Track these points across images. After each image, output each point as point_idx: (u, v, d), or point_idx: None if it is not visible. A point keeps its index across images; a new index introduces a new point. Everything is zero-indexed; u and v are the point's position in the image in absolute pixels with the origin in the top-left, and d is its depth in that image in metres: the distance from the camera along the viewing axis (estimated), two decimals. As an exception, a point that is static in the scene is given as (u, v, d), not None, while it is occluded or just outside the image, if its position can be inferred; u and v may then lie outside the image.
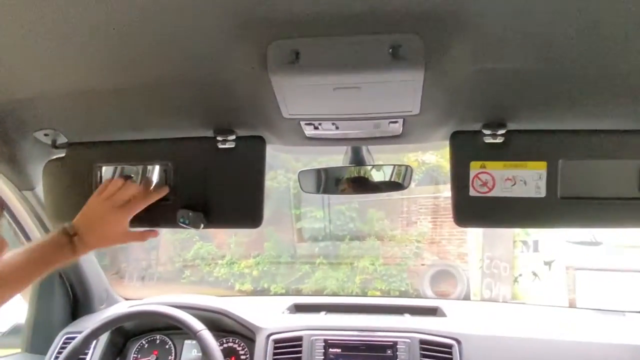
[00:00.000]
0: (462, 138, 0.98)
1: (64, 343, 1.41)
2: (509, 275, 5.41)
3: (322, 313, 1.57)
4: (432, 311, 1.58)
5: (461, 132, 0.99)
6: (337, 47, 0.72)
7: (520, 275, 5.42)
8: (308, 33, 0.71)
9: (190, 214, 1.03)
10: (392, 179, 1.21)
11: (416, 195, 6.13)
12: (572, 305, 4.48)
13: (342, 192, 1.30)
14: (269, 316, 1.46)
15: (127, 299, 1.75)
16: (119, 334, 1.41)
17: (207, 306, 1.38)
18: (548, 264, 5.20)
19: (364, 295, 5.67)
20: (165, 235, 6.97)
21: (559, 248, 5.12)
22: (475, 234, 5.74)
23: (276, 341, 1.31)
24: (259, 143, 1.05)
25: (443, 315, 1.51)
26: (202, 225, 1.03)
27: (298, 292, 5.99)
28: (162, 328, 1.47)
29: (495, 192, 0.96)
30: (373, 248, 6.24)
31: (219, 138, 1.03)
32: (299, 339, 1.30)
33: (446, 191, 5.86)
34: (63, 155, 1.11)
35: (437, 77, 0.78)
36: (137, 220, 1.08)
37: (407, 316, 1.54)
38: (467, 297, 5.68)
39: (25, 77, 0.86)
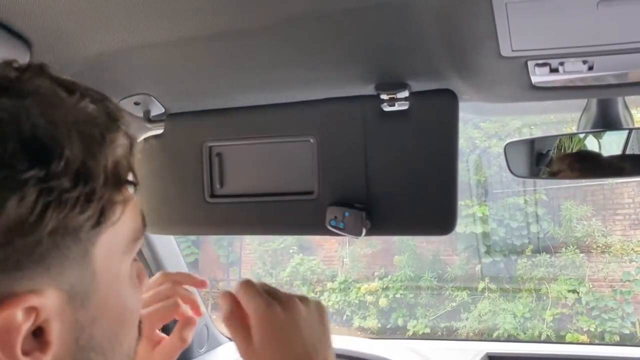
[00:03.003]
0: None
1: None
2: None
3: (537, 370, 1.52)
4: None
5: None
6: None
7: None
8: None
9: (346, 213, 1.03)
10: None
11: (647, 178, 5.73)
12: None
13: (573, 175, 1.25)
14: (454, 372, 1.45)
15: (232, 339, 1.85)
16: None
17: (360, 354, 1.40)
18: None
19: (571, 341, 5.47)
20: (251, 244, 7.35)
21: None
22: None
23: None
24: (448, 100, 1.03)
25: None
26: (364, 231, 1.04)
27: (479, 335, 5.95)
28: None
29: None
30: (573, 265, 5.98)
31: (383, 96, 1.02)
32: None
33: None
34: (160, 132, 1.19)
35: None
36: (263, 224, 1.12)
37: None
38: None
39: (110, 25, 0.91)
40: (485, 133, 6.22)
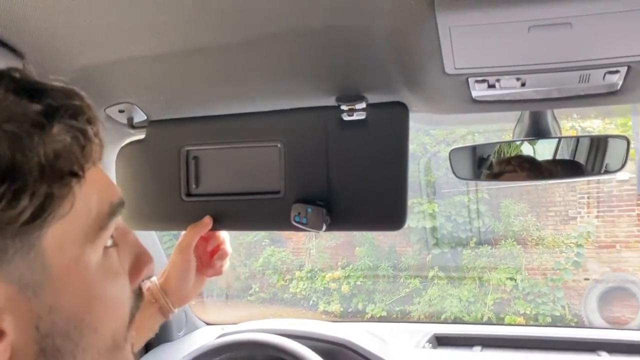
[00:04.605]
0: None
1: (140, 380, 1.51)
2: None
3: (477, 348, 1.54)
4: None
5: None
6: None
7: None
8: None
9: (308, 209, 1.03)
10: (592, 158, 1.14)
11: (575, 180, 5.82)
12: None
13: (510, 177, 1.26)
14: (406, 351, 1.45)
15: (208, 324, 1.84)
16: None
17: (323, 335, 1.40)
18: None
19: (512, 323, 5.53)
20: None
21: None
22: (668, 235, 5.35)
23: (421, 386, 1.30)
24: (400, 111, 1.03)
25: (662, 355, 1.41)
26: (324, 227, 1.04)
27: (429, 317, 5.98)
28: (259, 363, 1.52)
29: None
30: (511, 256, 6.05)
31: (343, 107, 1.03)
32: (454, 384, 1.28)
33: (621, 173, 5.49)
34: (142, 137, 1.17)
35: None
36: (234, 221, 1.11)
37: (604, 355, 1.45)
38: (654, 326, 5.34)
39: (97, 40, 0.90)
40: (435, 139, 6.26)
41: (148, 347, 1.67)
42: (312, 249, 7.00)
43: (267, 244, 7.13)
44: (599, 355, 1.48)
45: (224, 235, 1.13)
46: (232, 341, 1.32)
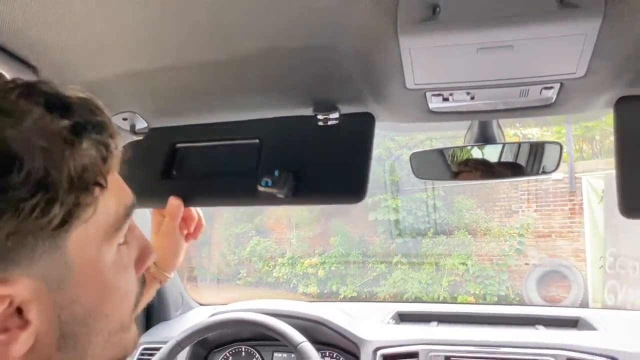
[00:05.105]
0: (635, 105, 0.92)
1: (141, 355, 1.49)
2: (640, 277, 5.10)
3: (434, 324, 1.55)
4: (572, 323, 1.51)
5: (631, 98, 0.92)
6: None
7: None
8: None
9: (276, 173, 0.99)
10: (532, 161, 1.15)
11: (517, 179, 5.91)
12: None
13: (462, 177, 1.27)
14: (372, 326, 1.46)
15: (201, 304, 1.83)
16: (201, 345, 1.47)
17: (301, 314, 1.40)
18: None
19: (464, 302, 5.59)
20: (218, 229, 7.24)
21: None
22: (595, 226, 5.46)
23: (386, 357, 1.31)
24: (367, 120, 1.03)
25: (589, 328, 1.44)
26: (287, 190, 0.99)
27: (393, 297, 6.03)
28: (246, 339, 1.51)
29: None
30: (463, 244, 6.13)
31: (319, 116, 1.02)
32: (414, 354, 1.29)
33: (556, 173, 5.59)
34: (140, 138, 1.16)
35: (616, 29, 0.72)
36: (213, 198, 1.10)
37: (541, 329, 1.48)
38: (584, 304, 5.45)
39: (103, 57, 0.89)
40: (398, 144, 6.33)
41: (149, 325, 1.65)
42: (292, 239, 7.02)
43: (253, 235, 7.12)
44: (536, 328, 1.50)
45: (199, 211, 1.11)
46: (223, 319, 1.31)
